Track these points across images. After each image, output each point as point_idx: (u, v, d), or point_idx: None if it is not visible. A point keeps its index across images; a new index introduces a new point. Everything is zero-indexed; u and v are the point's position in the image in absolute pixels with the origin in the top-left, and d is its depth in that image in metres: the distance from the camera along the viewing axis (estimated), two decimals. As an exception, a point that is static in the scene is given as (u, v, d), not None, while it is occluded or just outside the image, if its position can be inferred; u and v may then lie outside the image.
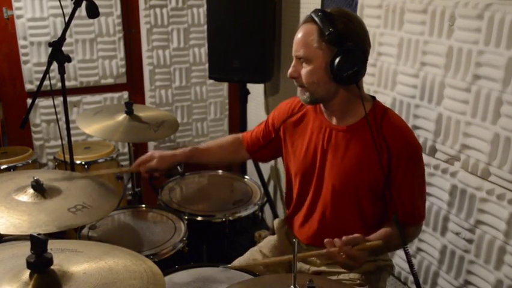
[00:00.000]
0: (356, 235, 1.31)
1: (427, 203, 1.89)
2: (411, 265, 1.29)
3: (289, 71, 1.48)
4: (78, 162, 2.61)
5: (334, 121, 1.54)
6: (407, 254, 1.32)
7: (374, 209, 1.53)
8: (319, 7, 2.40)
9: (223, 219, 2.06)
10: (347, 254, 1.28)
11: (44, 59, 2.88)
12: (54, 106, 1.93)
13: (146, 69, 3.19)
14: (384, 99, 2.02)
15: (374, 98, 1.55)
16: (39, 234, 0.98)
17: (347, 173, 1.50)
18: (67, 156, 1.98)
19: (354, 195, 1.51)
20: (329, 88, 1.44)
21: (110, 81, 3.12)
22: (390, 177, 1.45)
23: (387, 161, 1.44)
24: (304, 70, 1.44)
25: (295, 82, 1.50)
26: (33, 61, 2.87)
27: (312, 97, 1.47)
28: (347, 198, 1.52)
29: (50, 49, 1.75)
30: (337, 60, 1.35)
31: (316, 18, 1.39)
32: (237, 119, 3.35)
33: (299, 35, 1.44)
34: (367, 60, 1.41)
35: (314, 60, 1.41)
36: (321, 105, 1.56)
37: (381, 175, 1.43)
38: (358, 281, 1.55)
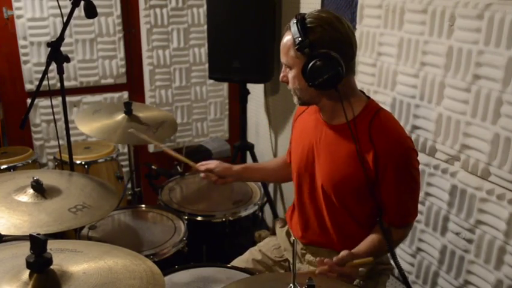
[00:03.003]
0: (343, 254, 1.33)
1: (427, 203, 1.89)
2: (399, 267, 1.33)
3: (280, 75, 1.52)
4: (78, 162, 2.61)
5: (327, 119, 1.55)
6: (394, 256, 1.33)
7: (362, 209, 1.52)
8: (319, 7, 2.41)
9: (223, 219, 2.06)
10: (339, 272, 1.31)
11: (44, 59, 2.86)
12: (52, 106, 1.93)
13: (146, 69, 3.19)
14: (384, 99, 2.02)
15: (368, 97, 1.53)
16: (38, 234, 0.98)
17: (330, 171, 1.50)
18: (67, 156, 1.98)
19: (340, 195, 1.51)
20: (311, 93, 1.45)
21: (110, 81, 3.12)
22: (378, 178, 1.43)
23: (374, 161, 1.42)
24: (289, 76, 1.47)
25: (287, 86, 1.52)
26: (33, 61, 2.87)
27: (300, 100, 1.51)
28: (334, 197, 1.52)
29: (49, 49, 1.75)
30: (308, 67, 1.36)
31: (291, 27, 1.41)
32: (237, 119, 3.35)
33: (282, 42, 1.47)
34: (345, 64, 1.37)
35: (294, 67, 1.44)
36: None
37: (366, 175, 1.42)
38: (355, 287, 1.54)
